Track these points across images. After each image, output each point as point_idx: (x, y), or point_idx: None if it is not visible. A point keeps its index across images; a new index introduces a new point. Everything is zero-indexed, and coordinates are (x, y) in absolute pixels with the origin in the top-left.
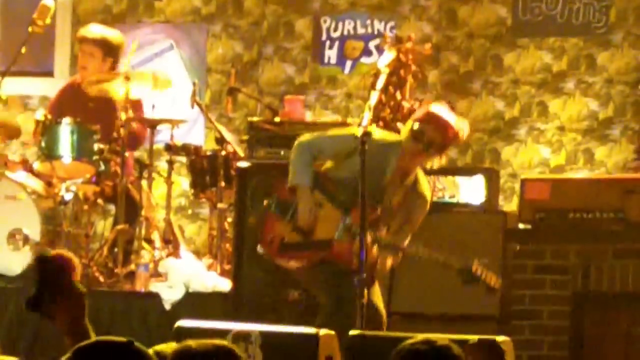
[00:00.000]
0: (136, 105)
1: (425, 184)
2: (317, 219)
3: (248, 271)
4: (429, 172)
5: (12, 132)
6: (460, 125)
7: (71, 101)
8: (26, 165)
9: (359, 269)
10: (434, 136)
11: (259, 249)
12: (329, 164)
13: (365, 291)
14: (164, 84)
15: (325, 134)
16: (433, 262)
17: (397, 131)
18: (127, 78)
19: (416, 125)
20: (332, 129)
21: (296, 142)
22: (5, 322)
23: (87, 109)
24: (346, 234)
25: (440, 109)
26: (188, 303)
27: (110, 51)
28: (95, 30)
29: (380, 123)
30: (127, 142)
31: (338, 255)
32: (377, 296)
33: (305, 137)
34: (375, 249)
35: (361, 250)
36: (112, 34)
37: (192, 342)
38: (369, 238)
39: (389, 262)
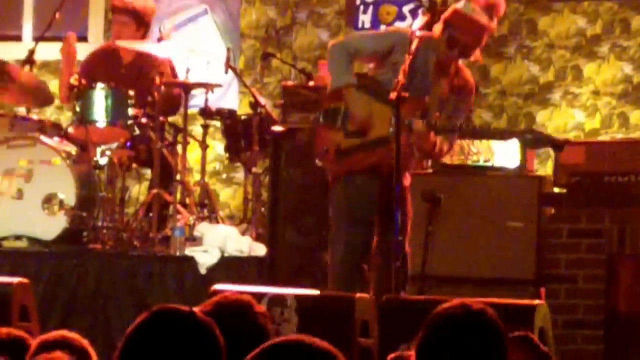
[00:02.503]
0: (170, 65)
1: (466, 69)
2: (370, 117)
3: (283, 235)
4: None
5: (46, 99)
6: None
7: (105, 65)
8: (60, 130)
9: (395, 233)
10: (466, 40)
11: (317, 161)
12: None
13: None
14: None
15: (359, 33)
16: (492, 134)
17: None
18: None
19: (446, 33)
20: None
21: (330, 44)
22: (40, 286)
23: (120, 73)
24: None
25: (466, 6)
26: (223, 267)
27: (142, 21)
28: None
29: None
30: (167, 108)
31: None
32: None
33: (339, 38)
34: (432, 134)
35: (395, 220)
36: (141, 3)
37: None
38: (421, 124)
39: (445, 146)
